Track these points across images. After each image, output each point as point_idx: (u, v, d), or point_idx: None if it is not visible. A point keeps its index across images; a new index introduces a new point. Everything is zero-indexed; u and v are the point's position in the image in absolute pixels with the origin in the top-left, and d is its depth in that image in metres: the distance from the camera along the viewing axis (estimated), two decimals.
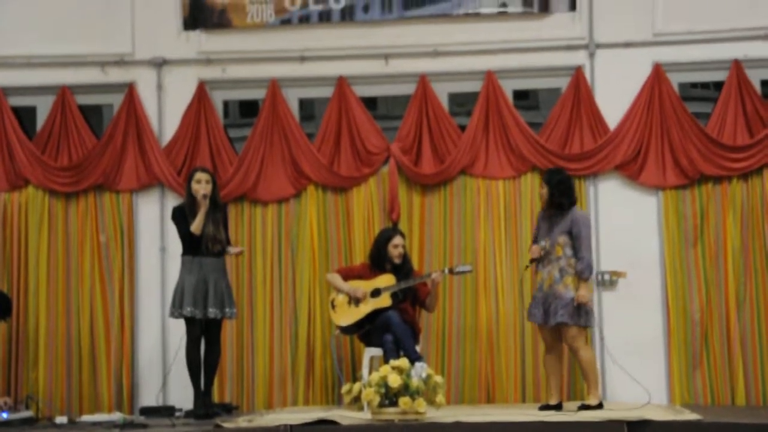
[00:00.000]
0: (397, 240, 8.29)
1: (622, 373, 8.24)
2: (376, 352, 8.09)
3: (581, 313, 7.68)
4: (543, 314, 7.77)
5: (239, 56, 9.32)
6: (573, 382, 8.69)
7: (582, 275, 7.68)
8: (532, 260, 7.92)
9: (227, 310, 7.99)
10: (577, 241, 7.72)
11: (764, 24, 8.89)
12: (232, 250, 8.17)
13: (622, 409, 7.46)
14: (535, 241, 7.96)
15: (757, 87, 8.89)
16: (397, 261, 8.26)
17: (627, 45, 9.02)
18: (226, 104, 9.52)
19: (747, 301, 8.67)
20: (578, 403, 7.80)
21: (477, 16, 9.17)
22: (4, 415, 7.90)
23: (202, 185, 7.95)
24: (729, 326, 8.65)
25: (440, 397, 7.12)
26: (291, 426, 6.90)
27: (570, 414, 7.30)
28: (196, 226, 7.88)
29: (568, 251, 7.74)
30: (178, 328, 8.23)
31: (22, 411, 8.11)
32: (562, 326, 7.69)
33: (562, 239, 7.76)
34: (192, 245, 7.95)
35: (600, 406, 7.61)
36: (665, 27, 8.99)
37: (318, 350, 8.91)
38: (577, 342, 7.71)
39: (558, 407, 7.72)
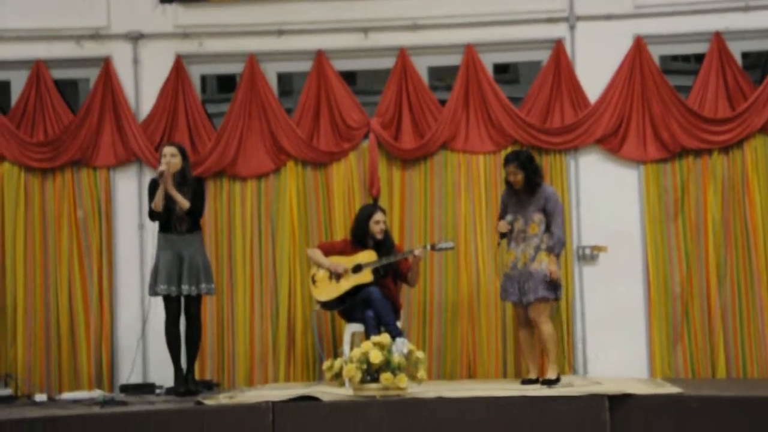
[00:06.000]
0: (378, 216, 8.25)
1: (602, 346, 8.25)
2: (357, 328, 8.05)
3: (555, 287, 7.79)
4: (518, 292, 7.83)
5: (216, 30, 9.22)
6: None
7: (554, 250, 7.80)
8: (502, 236, 7.94)
9: (203, 285, 7.90)
10: (551, 217, 7.80)
11: None
12: None
13: (603, 382, 7.49)
14: (502, 219, 7.99)
15: (738, 59, 8.85)
16: (378, 237, 8.22)
17: (608, 17, 8.96)
18: (203, 79, 9.42)
19: (728, 274, 8.66)
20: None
21: None
22: None
23: (166, 159, 7.85)
24: (710, 299, 8.65)
25: (422, 373, 7.12)
26: (273, 402, 6.88)
27: (551, 388, 7.31)
28: (155, 203, 7.82)
29: (543, 228, 7.83)
30: (157, 305, 8.15)
31: (0, 388, 8.06)
32: (537, 301, 7.73)
33: (537, 217, 7.85)
34: (164, 222, 7.89)
35: (558, 380, 7.70)
36: None
37: (299, 326, 8.87)
38: (542, 316, 7.81)
39: (537, 381, 7.76)
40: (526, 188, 7.87)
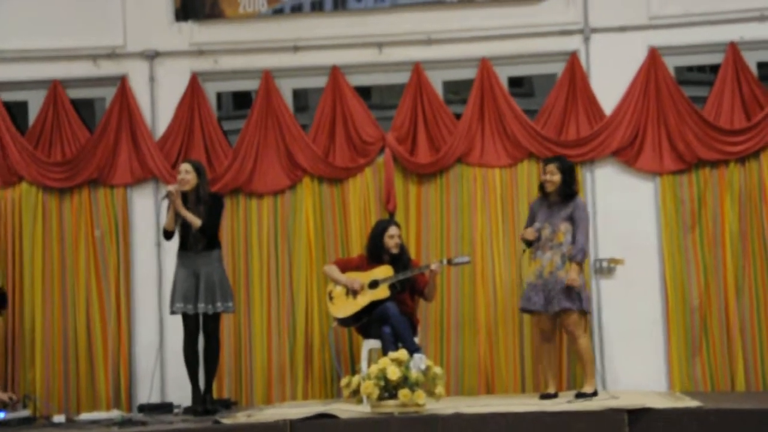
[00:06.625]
0: (392, 230, 8.25)
1: (621, 360, 8.21)
2: (375, 344, 8.05)
3: (582, 298, 7.73)
4: (544, 301, 7.75)
5: (232, 47, 9.25)
6: (573, 371, 8.59)
7: (575, 258, 7.75)
8: (529, 243, 7.92)
9: (219, 304, 7.88)
10: (576, 225, 7.75)
11: (760, 5, 8.81)
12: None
13: (622, 396, 7.45)
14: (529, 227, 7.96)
15: (754, 69, 8.81)
16: (394, 251, 8.21)
17: (622, 29, 8.94)
18: (219, 96, 9.44)
19: (745, 285, 8.60)
20: (575, 392, 7.84)
21: (471, 2, 9.10)
22: (1, 415, 7.84)
23: (180, 176, 7.87)
24: (728, 311, 8.59)
25: (440, 389, 7.10)
26: (291, 420, 6.87)
27: (570, 403, 7.28)
28: (166, 222, 7.84)
29: (569, 237, 7.81)
30: (175, 323, 8.17)
31: (19, 410, 8.06)
32: (565, 312, 7.68)
33: (564, 226, 7.81)
34: (182, 240, 7.90)
35: (595, 393, 7.66)
36: (660, 10, 8.91)
37: (316, 343, 8.86)
38: (578, 329, 7.76)
39: (555, 396, 7.74)
40: (559, 194, 7.84)
